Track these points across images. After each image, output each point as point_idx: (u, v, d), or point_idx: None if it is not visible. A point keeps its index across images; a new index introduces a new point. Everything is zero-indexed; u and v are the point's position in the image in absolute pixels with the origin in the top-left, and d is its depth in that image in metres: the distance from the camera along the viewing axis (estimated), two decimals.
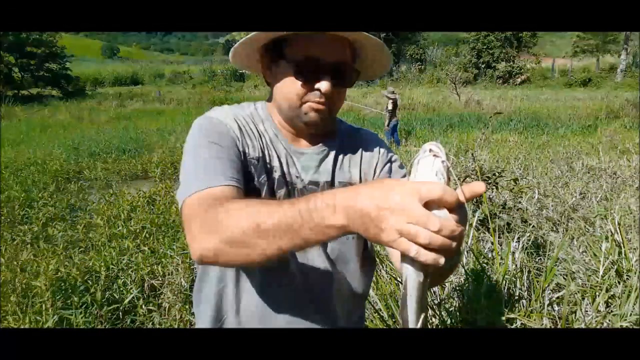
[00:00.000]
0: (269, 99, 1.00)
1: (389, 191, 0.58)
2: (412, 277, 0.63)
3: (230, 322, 0.98)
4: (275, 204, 0.70)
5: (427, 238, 0.55)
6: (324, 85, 0.88)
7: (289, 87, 0.90)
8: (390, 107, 8.48)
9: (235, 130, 0.92)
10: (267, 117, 0.98)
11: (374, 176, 1.02)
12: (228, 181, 0.82)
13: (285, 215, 0.66)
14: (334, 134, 1.02)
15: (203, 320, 1.01)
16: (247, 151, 0.92)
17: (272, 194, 0.94)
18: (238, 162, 0.88)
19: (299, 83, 0.88)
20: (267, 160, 0.94)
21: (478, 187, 0.60)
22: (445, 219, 0.56)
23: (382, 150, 1.04)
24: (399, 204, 0.56)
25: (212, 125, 0.91)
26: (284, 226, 0.66)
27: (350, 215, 0.61)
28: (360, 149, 1.03)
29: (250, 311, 0.97)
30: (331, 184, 0.98)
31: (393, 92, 8.69)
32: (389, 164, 1.03)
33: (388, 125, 8.48)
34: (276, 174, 0.94)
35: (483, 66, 28.41)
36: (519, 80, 27.19)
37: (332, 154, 0.99)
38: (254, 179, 0.92)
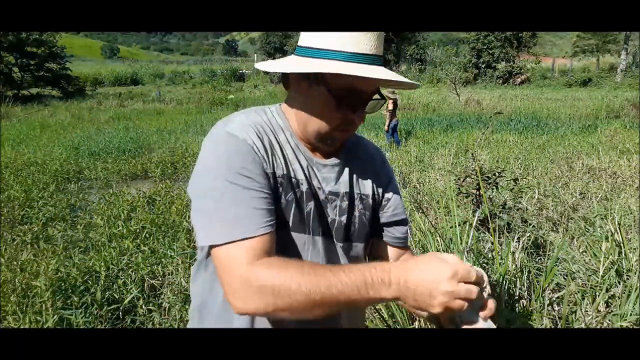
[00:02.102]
0: (287, 106, 0.96)
1: (435, 278, 0.72)
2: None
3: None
4: (331, 274, 0.75)
5: (466, 305, 0.73)
6: (359, 117, 0.88)
7: (324, 115, 0.88)
8: (390, 107, 8.47)
9: (261, 150, 0.86)
10: (286, 126, 0.94)
11: (383, 192, 1.04)
12: (263, 228, 0.81)
13: (344, 289, 0.74)
14: (345, 144, 1.02)
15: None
16: (274, 170, 0.88)
17: (300, 209, 0.91)
18: (268, 191, 0.85)
19: (338, 113, 0.87)
20: (292, 175, 0.91)
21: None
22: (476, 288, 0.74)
23: (385, 165, 1.08)
24: (444, 289, 0.72)
25: (236, 148, 0.84)
26: (343, 299, 0.74)
27: (403, 291, 0.74)
28: (369, 162, 1.04)
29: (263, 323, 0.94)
30: (350, 195, 0.98)
31: (393, 92, 8.67)
32: (392, 182, 1.07)
33: (388, 126, 8.47)
34: (303, 187, 0.92)
35: (483, 66, 28.36)
36: (519, 80, 27.15)
37: (348, 165, 1.00)
38: (282, 197, 0.89)
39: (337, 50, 0.83)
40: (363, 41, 0.83)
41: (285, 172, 0.90)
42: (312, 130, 0.91)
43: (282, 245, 0.88)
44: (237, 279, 0.77)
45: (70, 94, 20.55)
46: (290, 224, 0.90)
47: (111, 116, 13.56)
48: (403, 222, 1.06)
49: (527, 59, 28.81)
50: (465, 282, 0.73)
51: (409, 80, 0.88)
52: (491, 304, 0.77)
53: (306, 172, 0.93)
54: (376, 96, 0.91)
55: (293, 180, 0.91)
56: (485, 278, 0.77)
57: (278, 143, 0.91)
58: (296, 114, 0.93)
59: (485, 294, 0.77)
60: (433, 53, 33.91)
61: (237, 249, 0.79)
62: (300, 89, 0.90)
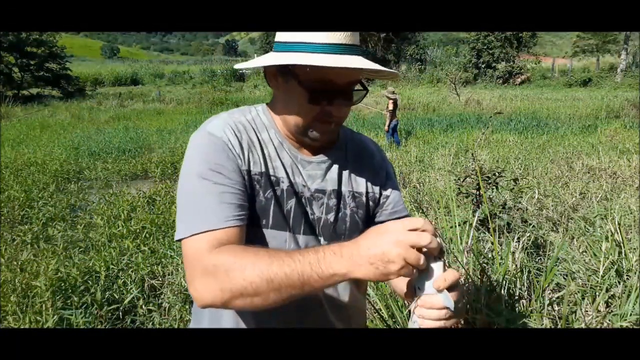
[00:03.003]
0: (271, 103, 0.97)
1: (383, 234, 0.70)
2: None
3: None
4: (284, 254, 0.74)
5: (423, 259, 0.70)
6: (336, 109, 0.87)
7: (299, 108, 0.87)
8: (390, 107, 8.47)
9: (236, 147, 0.88)
10: (270, 124, 0.95)
11: (380, 190, 1.02)
12: (230, 221, 0.81)
13: (296, 268, 0.72)
14: (336, 141, 1.01)
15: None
16: (250, 168, 0.89)
17: (279, 206, 0.91)
18: (241, 188, 0.86)
19: (311, 106, 0.86)
20: (272, 173, 0.91)
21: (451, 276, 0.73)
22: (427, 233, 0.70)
23: (384, 163, 1.06)
24: (395, 239, 0.68)
25: (212, 145, 0.86)
26: (296, 277, 0.71)
27: (356, 260, 0.70)
28: (365, 159, 1.03)
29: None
30: (338, 192, 0.97)
31: (393, 92, 8.67)
32: (390, 180, 1.05)
33: (388, 126, 8.47)
34: (284, 185, 0.92)
35: (483, 66, 28.33)
36: (519, 80, 27.12)
37: (338, 162, 0.98)
38: (259, 195, 0.89)
39: (307, 42, 0.83)
40: (332, 32, 0.83)
41: (263, 169, 0.90)
42: (292, 124, 0.91)
43: (261, 242, 0.89)
44: (197, 268, 0.78)
45: (70, 94, 20.52)
46: (271, 221, 0.90)
47: (111, 116, 13.55)
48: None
49: (527, 59, 28.80)
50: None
51: (382, 68, 0.86)
52: (449, 274, 0.72)
53: (289, 169, 0.93)
54: (358, 87, 0.90)
55: (272, 178, 0.91)
56: (440, 244, 0.71)
57: (259, 141, 0.92)
58: (278, 110, 0.94)
59: (439, 261, 0.72)
60: (433, 53, 33.84)
61: (200, 241, 0.80)
62: (278, 85, 0.91)
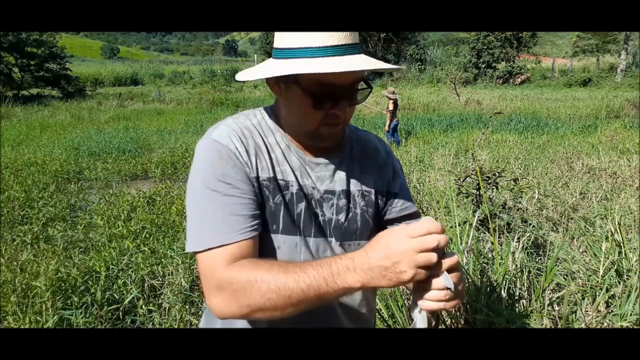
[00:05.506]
0: (276, 106, 0.96)
1: (390, 244, 0.72)
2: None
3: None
4: (299, 269, 0.76)
5: (436, 256, 0.71)
6: (341, 110, 0.86)
7: (304, 114, 0.86)
8: (391, 107, 8.47)
9: (243, 155, 0.87)
10: (276, 128, 0.94)
11: (388, 187, 1.02)
12: (242, 234, 0.82)
13: (312, 284, 0.74)
14: (342, 140, 1.00)
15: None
16: (258, 175, 0.88)
17: (289, 211, 0.90)
18: (250, 197, 0.86)
19: (315, 111, 0.85)
20: (281, 177, 0.91)
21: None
22: (435, 234, 0.71)
23: (390, 159, 1.05)
24: (402, 249, 0.70)
25: (219, 154, 0.86)
26: (313, 293, 0.75)
27: (368, 274, 0.73)
28: (370, 156, 1.02)
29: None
30: (347, 192, 0.96)
31: (394, 92, 8.68)
32: (398, 176, 1.04)
33: (389, 126, 8.47)
34: (293, 189, 0.91)
35: (483, 66, 28.30)
36: (519, 80, 27.11)
37: (345, 162, 0.97)
38: (269, 201, 0.89)
39: (305, 47, 0.82)
40: (329, 34, 0.81)
41: (272, 175, 0.90)
42: (298, 129, 0.91)
43: (273, 248, 0.89)
44: (213, 284, 0.80)
45: (70, 94, 20.49)
46: (281, 226, 0.90)
47: (111, 116, 13.54)
48: (414, 215, 1.04)
49: (527, 59, 28.79)
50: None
51: (384, 67, 0.84)
52: (447, 258, 0.74)
53: (297, 172, 0.92)
54: (362, 85, 0.89)
55: (281, 182, 0.91)
56: (442, 240, 0.72)
57: (266, 146, 0.91)
58: (283, 115, 0.93)
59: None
60: (433, 53, 33.80)
61: (215, 256, 0.81)
62: (280, 91, 0.89)
